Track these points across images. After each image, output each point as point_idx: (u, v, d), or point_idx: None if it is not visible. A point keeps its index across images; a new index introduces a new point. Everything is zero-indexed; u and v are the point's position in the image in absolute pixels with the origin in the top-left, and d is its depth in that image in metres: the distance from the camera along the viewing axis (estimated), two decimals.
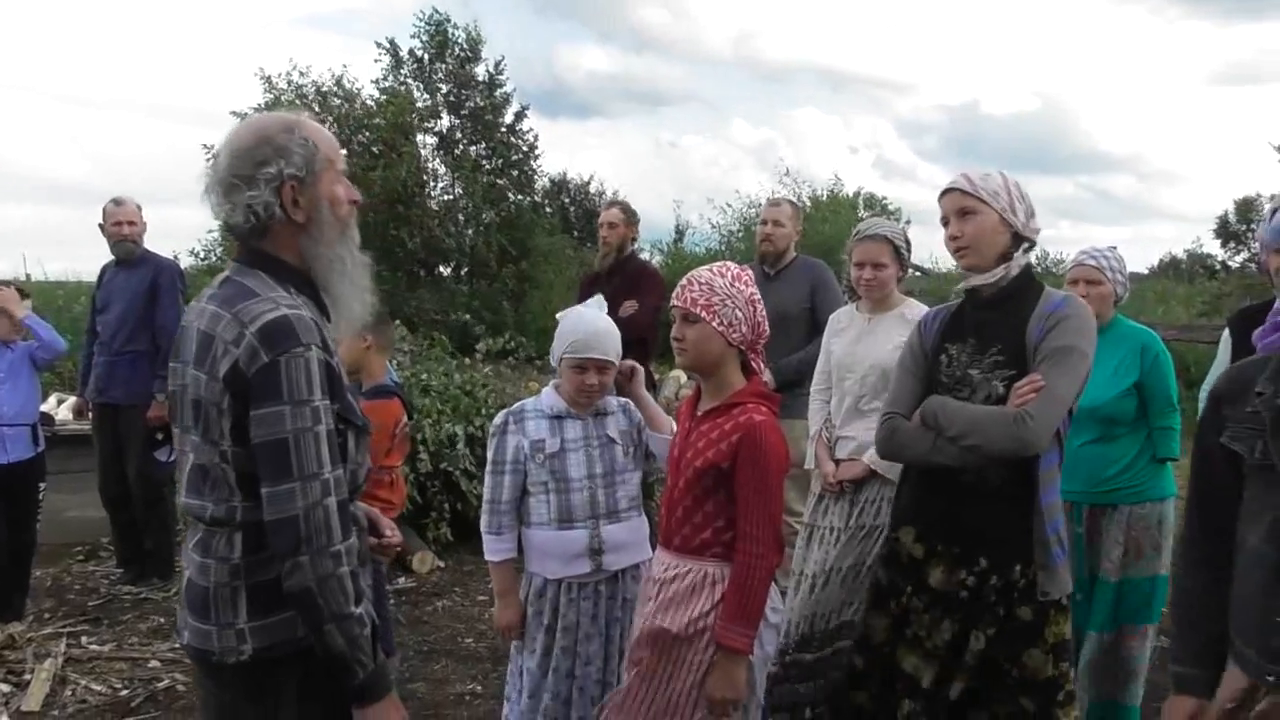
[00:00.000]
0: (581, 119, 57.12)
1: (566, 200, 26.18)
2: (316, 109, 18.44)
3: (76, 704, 4.04)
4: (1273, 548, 1.79)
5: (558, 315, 2.94)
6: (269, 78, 18.98)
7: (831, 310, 4.17)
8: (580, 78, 55.00)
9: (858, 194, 23.32)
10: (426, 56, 20.18)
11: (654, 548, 2.68)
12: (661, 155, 50.11)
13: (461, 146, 20.25)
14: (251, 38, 45.74)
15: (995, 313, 2.52)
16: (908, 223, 22.37)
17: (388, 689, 1.80)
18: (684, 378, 9.43)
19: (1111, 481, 3.42)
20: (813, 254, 5.67)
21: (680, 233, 25.09)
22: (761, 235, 5.01)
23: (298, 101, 18.24)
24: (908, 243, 3.70)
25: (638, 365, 2.99)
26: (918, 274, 17.35)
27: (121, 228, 5.44)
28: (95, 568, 5.92)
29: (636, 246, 5.73)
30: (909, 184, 57.10)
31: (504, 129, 20.54)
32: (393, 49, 20.12)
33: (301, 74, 19.14)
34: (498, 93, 20.54)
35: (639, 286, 5.30)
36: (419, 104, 19.74)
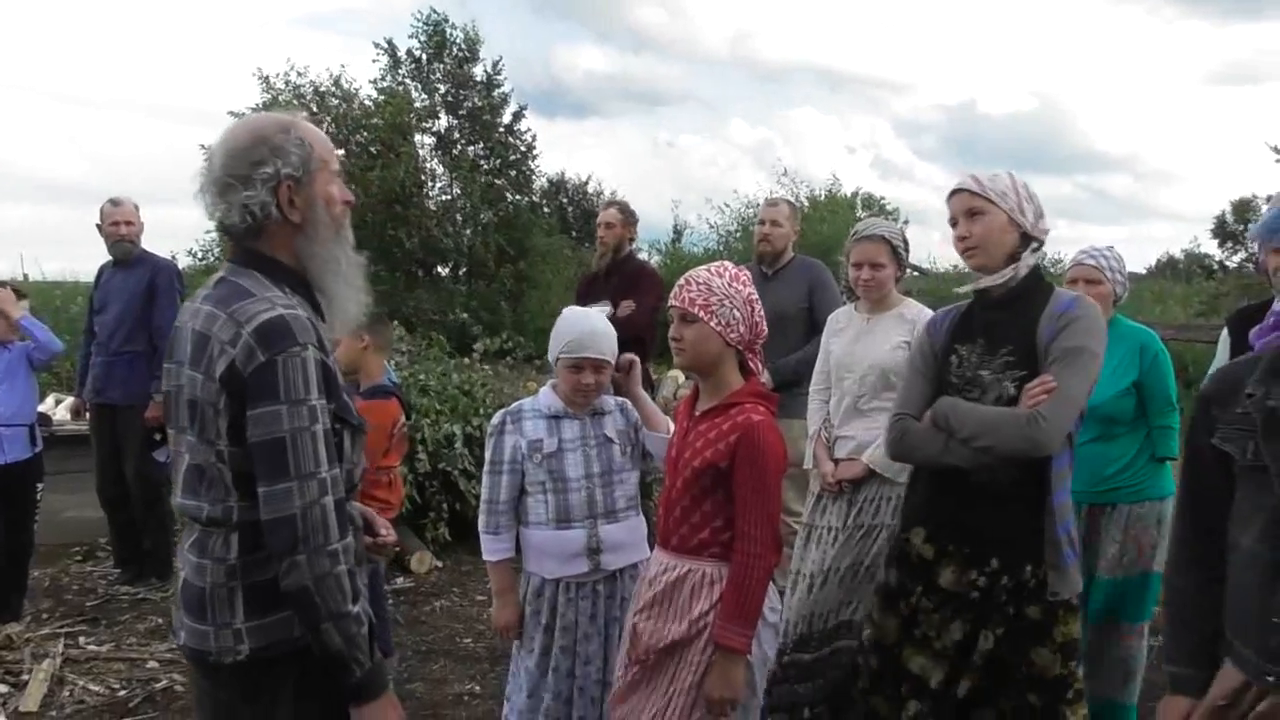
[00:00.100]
0: (579, 119, 57.16)
1: (564, 200, 26.20)
2: (314, 109, 18.44)
3: (74, 704, 4.03)
4: (1267, 548, 1.80)
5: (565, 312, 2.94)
6: (267, 78, 19.00)
7: (829, 310, 4.17)
8: (578, 78, 55.08)
9: (856, 194, 23.34)
10: (424, 56, 20.18)
11: (652, 547, 2.68)
12: (659, 155, 50.17)
13: (459, 146, 20.26)
14: (249, 38, 45.77)
15: (1005, 313, 2.52)
16: (905, 223, 22.42)
17: (384, 687, 1.80)
18: (682, 377, 9.43)
19: (1111, 480, 3.43)
20: (811, 254, 5.67)
21: (678, 233, 25.11)
22: (759, 235, 5.01)
23: (295, 102, 18.23)
24: (905, 243, 3.70)
25: (635, 358, 2.98)
26: (915, 274, 17.36)
27: (119, 228, 5.44)
28: (93, 568, 5.92)
29: (635, 247, 5.73)
30: (906, 184, 57.20)
31: (502, 129, 20.56)
32: (390, 49, 20.13)
33: (299, 74, 19.17)
34: (495, 93, 20.55)
35: (637, 286, 5.30)
36: (417, 104, 19.75)
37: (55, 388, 7.99)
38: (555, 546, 2.80)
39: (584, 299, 5.36)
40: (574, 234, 23.89)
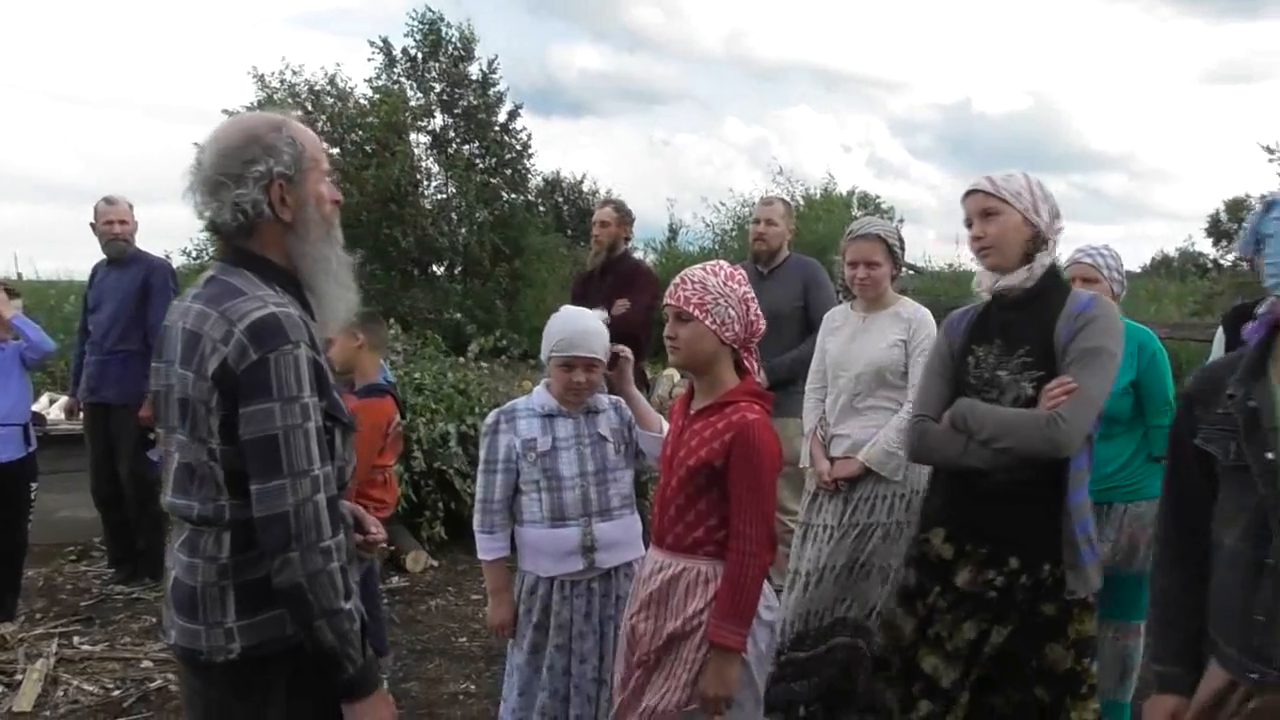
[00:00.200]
0: (575, 118, 57.13)
1: (560, 199, 26.19)
2: (309, 108, 18.41)
3: (68, 704, 4.02)
4: (1250, 546, 1.81)
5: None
6: (262, 76, 18.96)
7: (824, 309, 4.17)
8: (573, 76, 55.07)
9: (851, 193, 23.34)
10: (420, 55, 20.16)
11: (647, 546, 2.68)
12: (655, 154, 50.19)
13: (455, 145, 20.24)
14: (244, 36, 45.70)
15: (1022, 314, 2.52)
16: (901, 221, 22.44)
17: (377, 684, 1.80)
18: (677, 376, 9.42)
19: (1108, 480, 3.42)
20: (807, 253, 5.67)
21: (674, 231, 25.08)
22: (755, 234, 5.01)
23: (290, 101, 18.21)
24: (901, 241, 3.70)
25: (627, 351, 2.97)
26: (911, 273, 17.38)
27: (113, 227, 5.42)
28: (87, 568, 5.90)
29: (630, 245, 5.73)
30: (902, 182, 57.29)
31: (497, 128, 20.54)
32: (386, 48, 20.10)
33: (295, 73, 19.12)
34: (491, 91, 20.53)
35: (632, 285, 5.29)
36: (412, 103, 19.72)
37: (49, 387, 7.97)
38: (550, 545, 2.80)
39: (579, 297, 5.35)
40: (569, 233, 23.86)
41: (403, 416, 4.05)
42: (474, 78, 20.41)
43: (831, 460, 3.64)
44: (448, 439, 6.15)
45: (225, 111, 16.98)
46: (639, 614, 2.50)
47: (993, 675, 2.46)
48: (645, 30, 62.70)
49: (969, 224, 2.57)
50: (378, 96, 19.02)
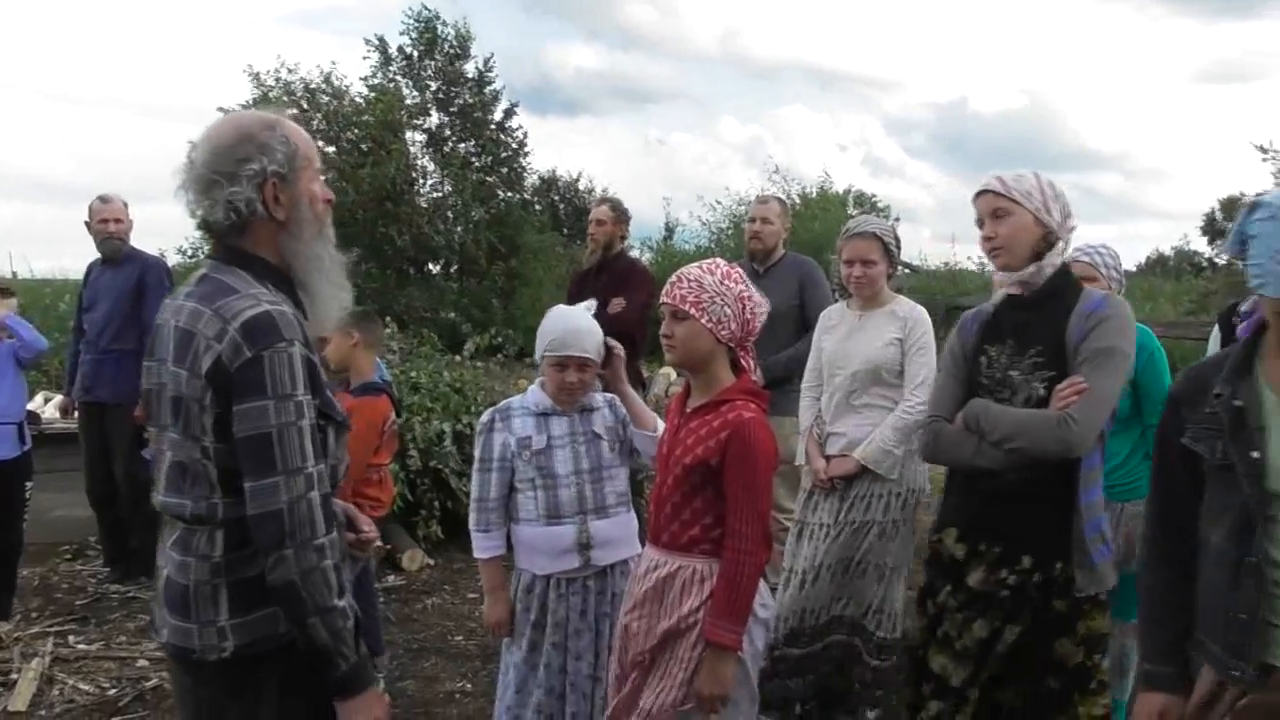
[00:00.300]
0: (570, 116, 57.17)
1: (556, 198, 26.16)
2: (305, 106, 18.40)
3: (64, 704, 4.02)
4: (1234, 545, 1.82)
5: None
6: (257, 75, 18.98)
7: (820, 308, 4.18)
8: (568, 75, 55.07)
9: (847, 191, 23.35)
10: (415, 53, 20.16)
11: (643, 544, 2.68)
12: (650, 152, 50.19)
13: (450, 144, 20.24)
14: (239, 35, 45.65)
15: (1034, 313, 2.52)
16: (897, 220, 22.46)
17: (370, 682, 1.80)
18: (674, 374, 9.44)
19: (1106, 478, 3.43)
20: (803, 251, 5.67)
21: (670, 230, 25.10)
22: (750, 233, 5.01)
23: (286, 99, 18.18)
24: (897, 240, 3.71)
25: (619, 348, 2.96)
26: (907, 271, 17.41)
27: (108, 225, 5.41)
28: (82, 567, 5.89)
29: (626, 244, 5.72)
30: (897, 181, 57.36)
31: (493, 126, 20.54)
32: (381, 46, 20.10)
33: (290, 71, 19.12)
34: (487, 90, 20.53)
35: (627, 284, 5.29)
36: (408, 101, 19.72)
37: (44, 386, 7.96)
38: (546, 542, 2.81)
39: (575, 296, 5.34)
40: (565, 231, 23.86)
41: (399, 415, 4.05)
42: (470, 76, 20.42)
43: (827, 458, 3.64)
44: (443, 438, 6.15)
45: (220, 110, 16.96)
46: (634, 612, 2.50)
47: (1003, 670, 2.48)
48: (640, 29, 62.78)
49: (980, 224, 2.57)
50: (373, 95, 19.02)
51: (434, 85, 20.26)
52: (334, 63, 22.45)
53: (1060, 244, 2.51)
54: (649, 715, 2.41)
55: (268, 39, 53.38)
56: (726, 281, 2.44)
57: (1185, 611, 1.93)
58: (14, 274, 13.16)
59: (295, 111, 17.56)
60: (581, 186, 26.65)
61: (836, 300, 4.09)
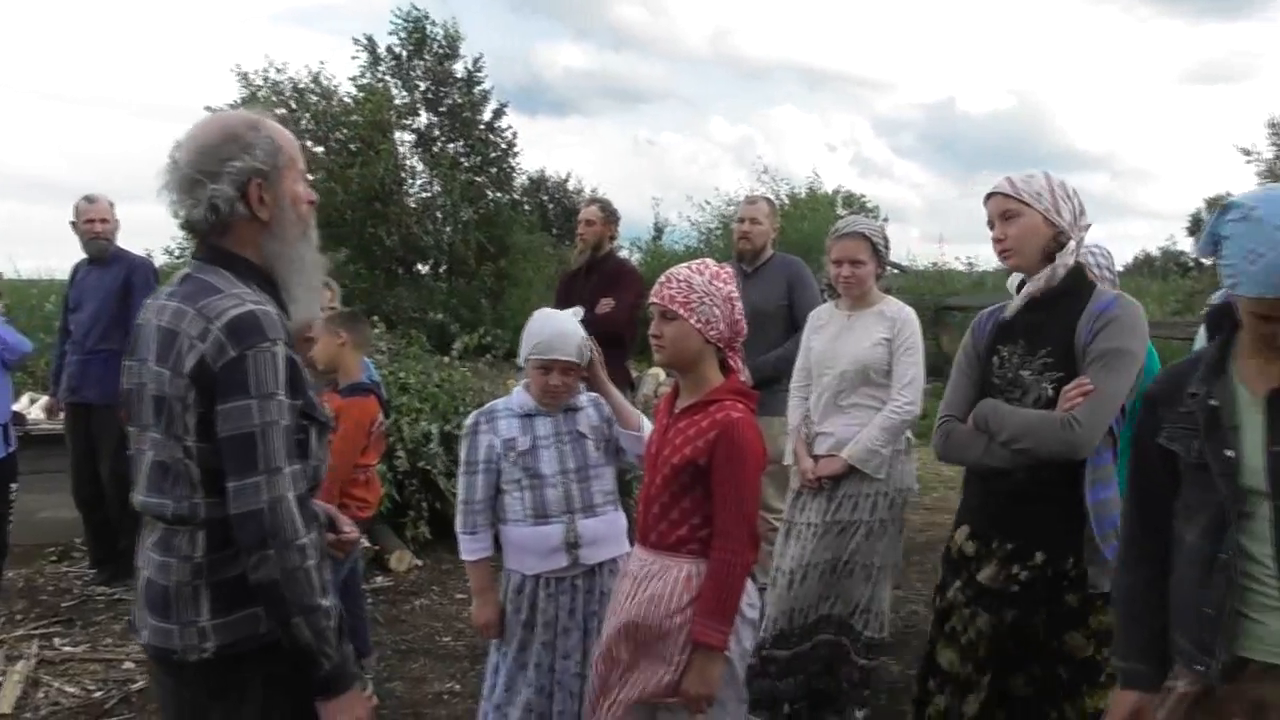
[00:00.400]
0: (560, 116, 57.11)
1: (545, 198, 26.15)
2: (294, 106, 18.34)
3: (49, 706, 4.00)
4: (1208, 543, 1.84)
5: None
6: (245, 74, 18.88)
7: (809, 308, 4.19)
8: (558, 75, 55.03)
9: (836, 192, 23.40)
10: (404, 53, 20.10)
11: (632, 544, 2.68)
12: (640, 153, 50.24)
13: (440, 144, 20.20)
14: (228, 34, 45.47)
15: (1045, 314, 2.53)
16: (885, 220, 22.49)
17: (352, 682, 1.80)
18: (663, 375, 9.43)
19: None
20: (792, 251, 5.68)
21: (659, 230, 25.09)
22: (739, 233, 5.02)
23: (274, 98, 18.12)
24: (886, 240, 3.72)
25: (590, 346, 2.95)
26: (895, 271, 17.44)
27: (94, 225, 5.38)
28: (68, 569, 5.86)
29: (615, 245, 5.73)
30: (886, 181, 57.49)
31: (482, 126, 20.50)
32: (370, 45, 20.04)
33: (279, 70, 19.04)
34: (476, 90, 20.49)
35: (616, 284, 5.29)
36: (397, 101, 19.67)
37: (30, 387, 7.91)
38: (534, 542, 2.81)
39: (564, 296, 5.35)
40: (554, 231, 23.84)
41: (386, 416, 4.04)
42: (459, 76, 20.37)
43: (815, 458, 3.65)
44: (430, 438, 6.13)
45: (208, 109, 16.91)
46: (621, 612, 2.50)
47: (1013, 655, 2.51)
48: (630, 29, 62.77)
49: (991, 225, 2.59)
50: (362, 94, 18.96)
51: (423, 85, 20.21)
52: (323, 62, 22.40)
53: (1072, 243, 2.52)
54: (636, 712, 2.41)
55: (260, 38, 53.28)
56: (715, 282, 2.44)
57: (1162, 610, 1.95)
58: (0, 274, 13.07)
59: (283, 111, 17.57)
60: (571, 187, 26.66)
61: (825, 300, 4.10)
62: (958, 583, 2.62)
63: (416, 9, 20.03)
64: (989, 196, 2.58)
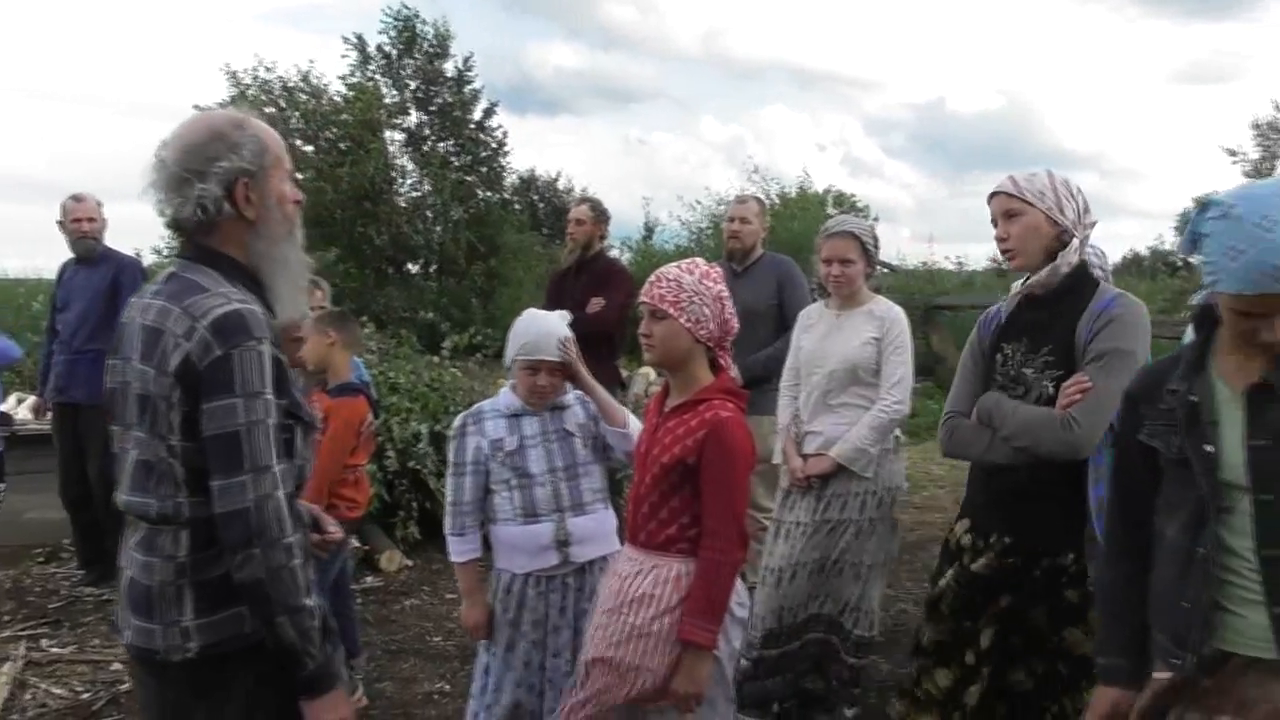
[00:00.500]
0: (550, 115, 56.97)
1: (535, 197, 26.08)
2: (283, 104, 18.29)
3: (37, 708, 3.98)
4: (1187, 539, 1.85)
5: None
6: (234, 73, 18.81)
7: (799, 307, 4.19)
8: (548, 74, 54.88)
9: (827, 191, 23.42)
10: (394, 52, 20.07)
11: (622, 543, 2.68)
12: (630, 152, 50.19)
13: (430, 143, 20.17)
14: (217, 33, 45.28)
15: (1048, 312, 2.55)
16: (875, 220, 22.53)
17: (336, 681, 1.80)
18: (653, 374, 9.44)
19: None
20: (783, 251, 5.68)
21: (649, 230, 25.07)
22: (728, 232, 5.02)
23: (263, 97, 18.07)
24: (875, 240, 3.72)
25: (573, 346, 2.94)
26: (885, 271, 17.47)
27: (81, 224, 5.35)
28: (56, 569, 5.83)
29: (606, 244, 5.72)
30: (876, 181, 57.53)
31: (473, 125, 20.48)
32: (360, 44, 19.99)
33: (268, 69, 18.97)
34: (466, 89, 20.47)
35: (607, 283, 5.29)
36: (387, 100, 19.63)
37: (17, 386, 7.86)
38: (524, 541, 2.82)
39: (554, 295, 5.35)
40: (545, 231, 23.81)
41: (376, 416, 4.03)
42: (449, 75, 20.35)
43: (804, 457, 3.65)
44: (419, 438, 6.12)
45: (196, 108, 16.84)
46: (608, 610, 2.49)
47: (1014, 649, 2.53)
48: (621, 28, 62.70)
49: (994, 224, 2.60)
50: (352, 93, 18.91)
51: (413, 84, 20.18)
52: (312, 61, 22.31)
53: (1075, 242, 2.52)
54: (623, 712, 2.41)
55: (248, 37, 53.04)
56: (705, 281, 2.44)
57: (1143, 607, 1.97)
58: None
59: (272, 110, 17.51)
60: (561, 186, 26.59)
61: (815, 300, 4.11)
62: (951, 571, 2.65)
63: (406, 8, 20.01)
64: (992, 196, 2.60)
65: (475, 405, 3.01)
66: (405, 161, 19.97)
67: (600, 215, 5.52)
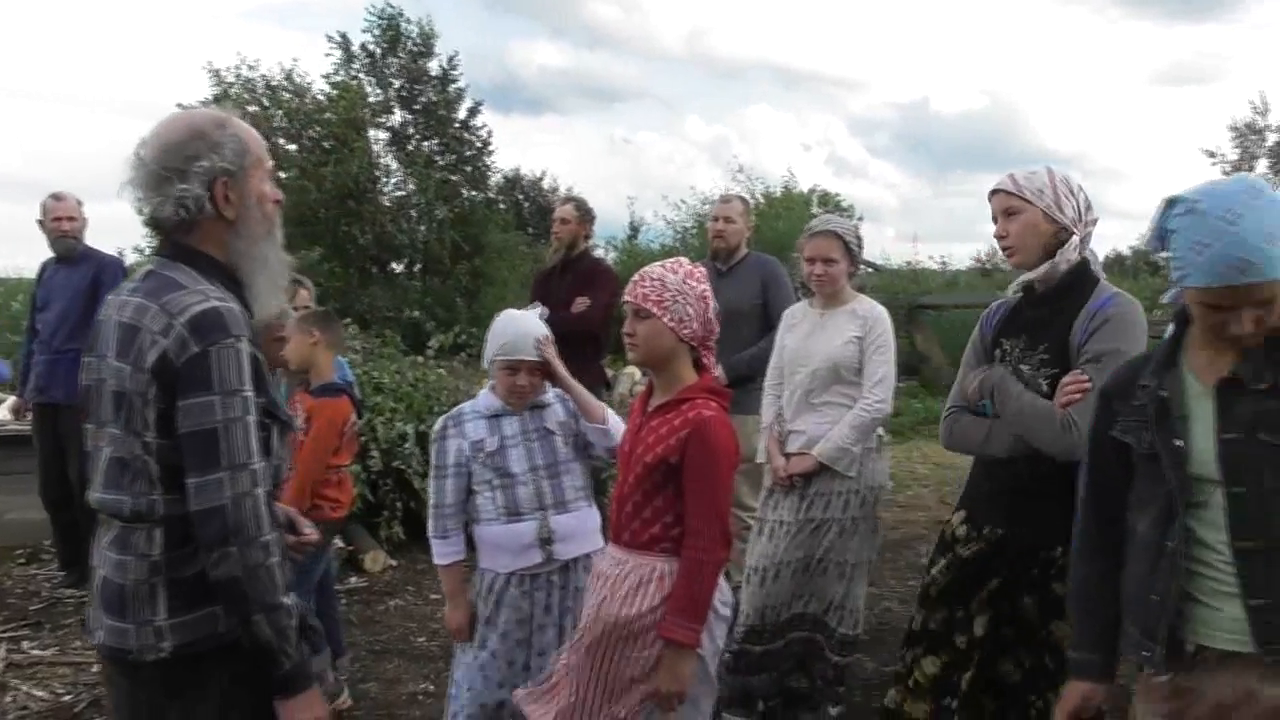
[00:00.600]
0: (535, 115, 56.90)
1: (520, 196, 26.07)
2: (266, 103, 18.21)
3: (18, 710, 3.95)
4: (1158, 533, 1.88)
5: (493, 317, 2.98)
6: (217, 71, 18.72)
7: (783, 307, 4.20)
8: (533, 73, 54.78)
9: (812, 191, 23.50)
10: (379, 51, 20.02)
11: (606, 542, 2.68)
12: (616, 151, 50.23)
13: (414, 142, 20.14)
14: (199, 31, 45.05)
15: (1049, 309, 2.56)
16: (860, 219, 22.61)
17: (311, 681, 1.79)
18: (639, 374, 9.46)
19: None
20: (768, 250, 5.70)
21: (634, 229, 25.11)
22: (713, 232, 5.03)
23: (246, 95, 17.99)
24: (859, 239, 3.73)
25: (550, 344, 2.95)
26: (870, 270, 17.53)
27: (61, 223, 5.32)
28: (37, 571, 5.79)
29: (591, 244, 5.72)
30: (860, 181, 57.55)
31: (457, 124, 20.46)
32: (344, 43, 19.94)
33: (250, 68, 18.90)
34: (451, 88, 20.45)
35: (592, 283, 5.29)
36: (371, 99, 19.58)
37: None
38: (507, 540, 2.82)
39: (539, 295, 5.34)
40: (530, 230, 23.80)
41: (359, 416, 4.01)
42: (433, 74, 20.32)
43: (787, 456, 3.66)
44: (406, 439, 6.11)
45: (179, 106, 16.75)
46: (592, 609, 2.49)
47: (1006, 633, 2.55)
48: (605, 27, 62.58)
49: (995, 221, 2.62)
50: (336, 92, 18.85)
51: (397, 83, 20.14)
52: (295, 60, 22.28)
53: (1075, 239, 2.53)
54: (609, 713, 2.41)
55: (229, 35, 52.74)
56: (689, 280, 2.45)
57: (1116, 601, 1.99)
58: None
59: (256, 109, 17.43)
60: (546, 185, 26.59)
61: (800, 299, 4.12)
62: (943, 561, 2.68)
63: (391, 6, 19.99)
64: (993, 193, 2.62)
65: (456, 408, 3.01)
66: (389, 160, 19.95)
67: (585, 214, 5.51)
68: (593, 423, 2.91)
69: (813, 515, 3.56)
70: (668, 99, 66.14)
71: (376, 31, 19.91)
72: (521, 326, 2.86)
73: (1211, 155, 25.69)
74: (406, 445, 6.09)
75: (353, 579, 5.62)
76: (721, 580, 2.46)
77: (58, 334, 5.31)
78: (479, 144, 20.77)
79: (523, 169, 26.51)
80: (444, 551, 2.90)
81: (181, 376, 1.69)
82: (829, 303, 3.72)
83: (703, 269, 2.53)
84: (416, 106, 20.21)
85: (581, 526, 2.90)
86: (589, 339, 5.11)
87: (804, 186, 23.61)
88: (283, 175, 15.46)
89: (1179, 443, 1.85)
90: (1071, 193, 2.55)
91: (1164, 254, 1.89)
